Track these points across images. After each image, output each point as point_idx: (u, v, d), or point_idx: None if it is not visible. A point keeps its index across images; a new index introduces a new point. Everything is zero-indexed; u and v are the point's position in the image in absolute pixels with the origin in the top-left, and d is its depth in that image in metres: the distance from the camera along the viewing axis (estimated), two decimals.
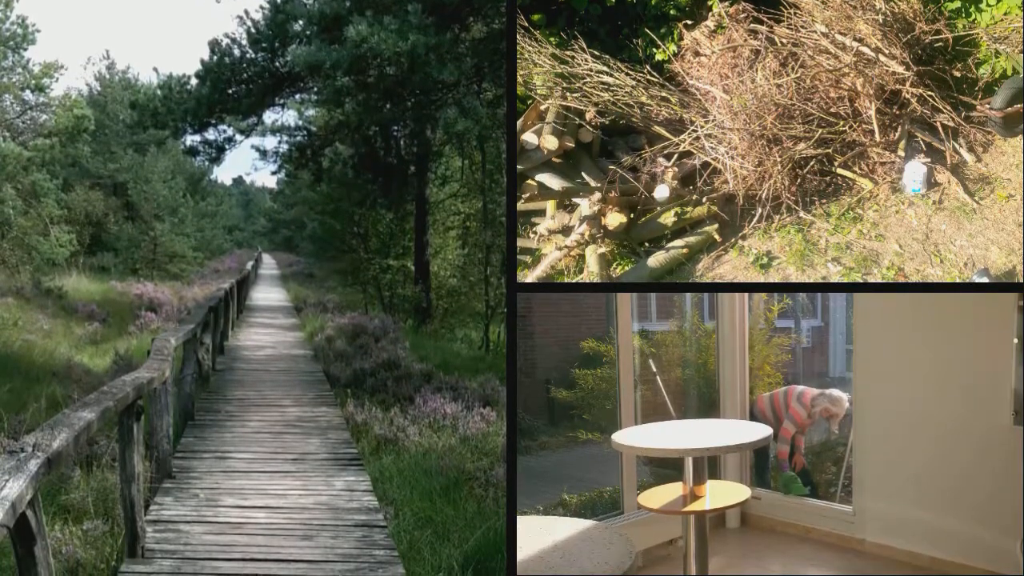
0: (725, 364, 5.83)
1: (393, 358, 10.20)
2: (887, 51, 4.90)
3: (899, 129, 4.94)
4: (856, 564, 5.07)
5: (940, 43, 5.04)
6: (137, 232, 28.36)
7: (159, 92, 14.47)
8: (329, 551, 4.41)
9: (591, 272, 4.55)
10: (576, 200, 4.82)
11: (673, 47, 5.39)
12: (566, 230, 4.72)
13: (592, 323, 5.77)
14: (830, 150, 4.86)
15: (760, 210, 4.73)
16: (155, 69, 63.91)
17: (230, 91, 13.43)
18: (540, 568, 3.68)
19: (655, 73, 5.14)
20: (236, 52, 13.23)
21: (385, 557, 4.35)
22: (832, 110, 4.88)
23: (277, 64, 13.20)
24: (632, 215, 4.83)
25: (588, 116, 5.03)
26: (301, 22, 12.29)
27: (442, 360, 11.74)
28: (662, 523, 5.03)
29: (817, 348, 6.81)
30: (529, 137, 4.89)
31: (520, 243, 4.84)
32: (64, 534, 4.30)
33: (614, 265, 4.69)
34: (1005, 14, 4.91)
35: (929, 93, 4.87)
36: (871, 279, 4.42)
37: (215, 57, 13.14)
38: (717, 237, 4.71)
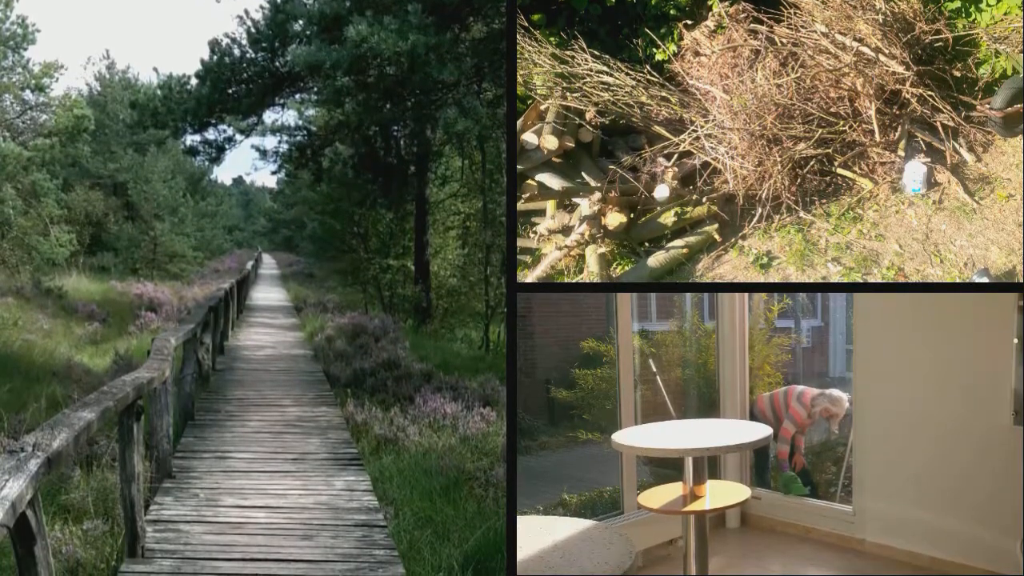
0: (725, 364, 5.83)
1: (393, 358, 10.20)
2: (887, 51, 4.90)
3: (899, 129, 4.94)
4: (856, 564, 5.07)
5: (940, 43, 5.05)
6: (137, 232, 28.36)
7: (159, 92, 14.46)
8: (329, 551, 4.41)
9: (591, 272, 4.55)
10: (576, 200, 4.82)
11: (673, 47, 5.39)
12: (566, 230, 4.72)
13: (592, 323, 5.77)
14: (830, 150, 4.86)
15: (760, 210, 4.73)
16: (155, 69, 63.93)
17: (230, 91, 13.42)
18: (540, 568, 3.68)
19: (655, 73, 5.14)
20: (236, 52, 13.23)
21: (385, 557, 4.35)
22: (832, 110, 4.88)
23: (277, 64, 13.19)
24: (632, 215, 4.83)
25: (588, 116, 5.03)
26: (301, 22, 12.28)
27: (442, 360, 11.75)
28: (662, 523, 5.03)
29: (817, 348, 6.81)
30: (529, 137, 4.89)
31: (520, 243, 4.84)
32: (64, 534, 4.30)
33: (614, 265, 4.69)
34: (1005, 14, 4.91)
35: (929, 93, 4.87)
36: (871, 279, 4.42)
37: (215, 57, 13.14)
38: (717, 237, 4.71)
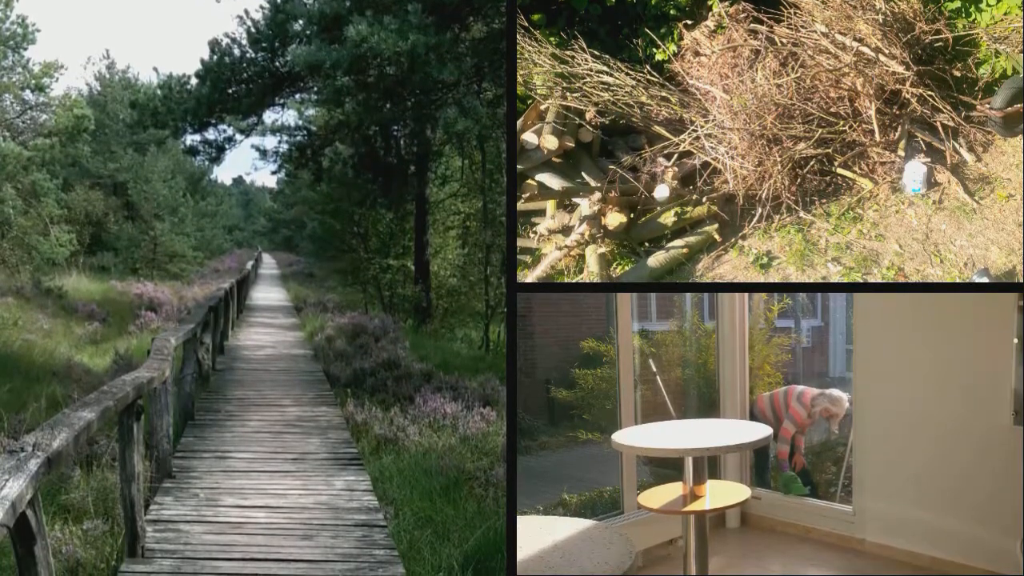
0: (725, 364, 5.83)
1: (393, 358, 10.20)
2: (887, 51, 4.90)
3: (899, 129, 4.94)
4: (856, 564, 5.07)
5: (940, 43, 5.05)
6: (137, 232, 28.36)
7: (159, 92, 14.46)
8: (329, 551, 4.41)
9: (591, 272, 4.55)
10: (576, 200, 4.82)
11: (673, 47, 5.39)
12: (566, 230, 4.72)
13: (592, 323, 5.77)
14: (830, 150, 4.86)
15: (760, 210, 4.73)
16: (155, 69, 63.95)
17: (230, 91, 13.42)
18: (540, 568, 3.68)
19: (655, 73, 5.14)
20: (236, 52, 13.22)
21: (385, 557, 4.35)
22: (832, 110, 4.88)
23: (277, 64, 13.18)
24: (632, 215, 4.83)
25: (588, 116, 5.03)
26: (301, 22, 12.28)
27: (442, 360, 11.74)
28: (662, 523, 5.03)
29: (817, 348, 6.81)
30: (529, 137, 4.89)
31: (520, 243, 4.84)
32: (64, 534, 4.30)
33: (614, 265, 4.69)
34: (1005, 14, 4.92)
35: (929, 93, 4.87)
36: (871, 279, 4.42)
37: (215, 57, 13.13)
38: (717, 237, 4.71)
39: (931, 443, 4.84)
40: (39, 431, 2.97)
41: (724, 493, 4.43)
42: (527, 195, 4.88)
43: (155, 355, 5.69)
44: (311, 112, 18.46)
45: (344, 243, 20.11)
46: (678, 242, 4.71)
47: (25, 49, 19.16)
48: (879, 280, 4.42)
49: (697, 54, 5.27)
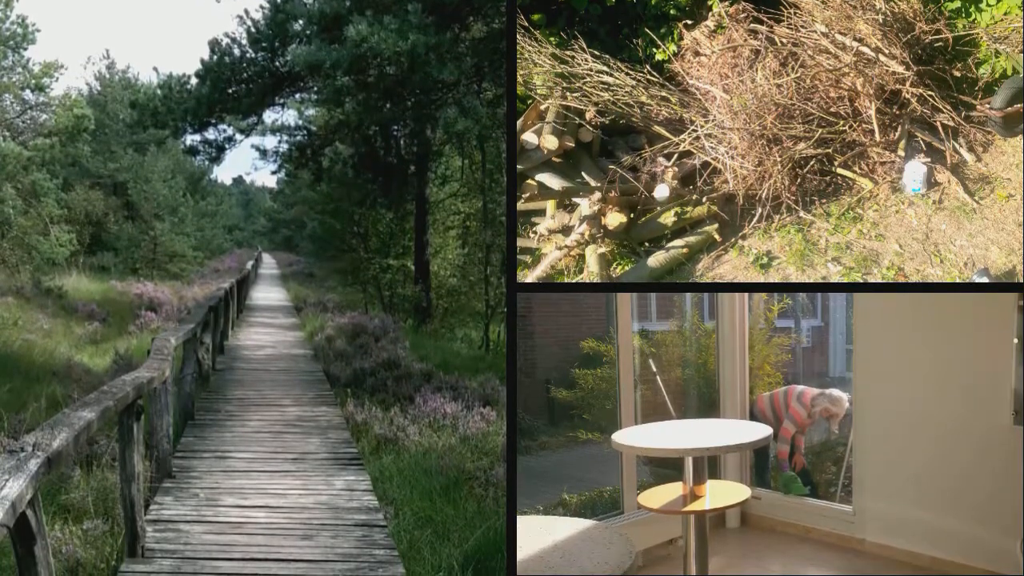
0: (725, 364, 5.83)
1: (393, 358, 10.20)
2: (887, 51, 4.90)
3: (899, 129, 4.94)
4: (856, 564, 5.07)
5: (940, 43, 5.05)
6: (137, 232, 28.36)
7: (159, 92, 14.46)
8: (329, 551, 4.41)
9: (591, 272, 4.55)
10: (576, 200, 4.82)
11: (673, 47, 5.39)
12: (566, 230, 4.72)
13: (592, 323, 5.77)
14: (830, 150, 4.86)
15: (760, 210, 4.73)
16: (155, 69, 64.01)
17: (230, 91, 13.42)
18: (540, 568, 3.68)
19: (655, 73, 5.14)
20: (236, 52, 13.22)
21: (385, 557, 4.35)
22: (832, 110, 4.88)
23: (277, 64, 13.18)
24: (632, 215, 4.83)
25: (588, 116, 5.03)
26: (301, 22, 12.28)
27: (442, 360, 11.74)
28: (662, 523, 5.03)
29: (817, 348, 6.81)
30: (529, 137, 4.89)
31: (520, 243, 4.84)
32: (64, 534, 4.30)
33: (614, 265, 4.69)
34: (1005, 14, 4.92)
35: (929, 93, 4.87)
36: (871, 279, 4.42)
37: (215, 57, 13.13)
38: (717, 237, 4.71)
39: (931, 443, 4.84)
40: (39, 431, 2.97)
41: (724, 493, 4.43)
42: (527, 195, 4.88)
43: (155, 355, 5.69)
44: (311, 112, 18.48)
45: (344, 243, 20.11)
46: (678, 242, 4.71)
47: (25, 49, 19.19)
48: (879, 280, 4.42)
49: (697, 54, 5.27)
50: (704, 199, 4.83)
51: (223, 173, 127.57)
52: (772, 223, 4.73)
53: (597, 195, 4.69)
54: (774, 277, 4.55)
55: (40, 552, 2.74)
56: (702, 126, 4.88)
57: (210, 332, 9.91)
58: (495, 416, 7.48)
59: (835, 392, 5.58)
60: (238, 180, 74.20)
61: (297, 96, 15.71)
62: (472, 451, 6.49)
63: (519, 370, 5.06)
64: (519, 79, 5.03)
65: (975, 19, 5.02)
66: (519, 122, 4.97)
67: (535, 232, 4.89)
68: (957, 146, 4.88)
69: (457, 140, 15.42)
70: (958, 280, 4.36)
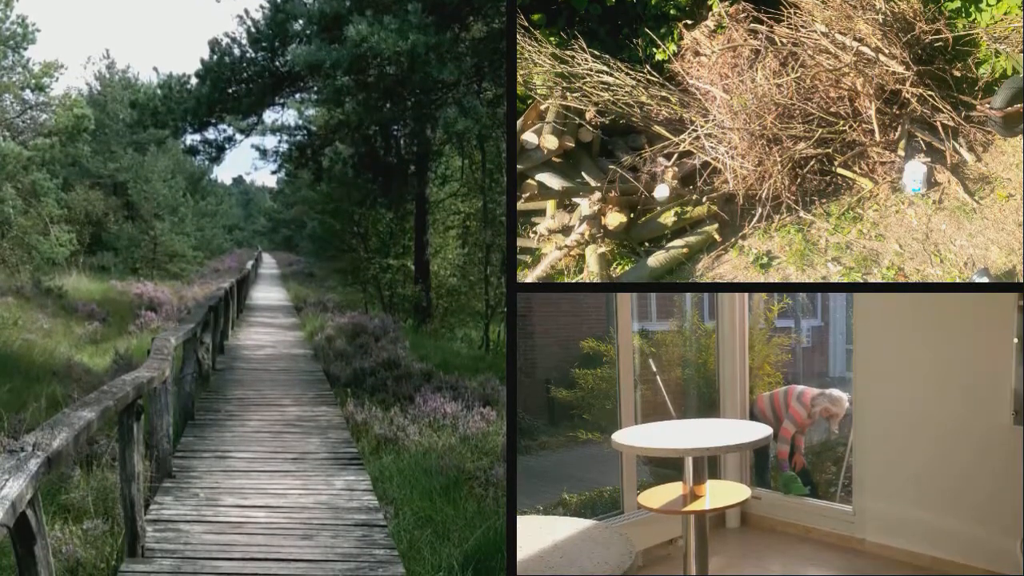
0: (725, 364, 5.83)
1: (393, 357, 10.20)
2: (887, 51, 4.90)
3: (899, 129, 4.94)
4: (856, 564, 5.07)
5: (940, 43, 5.05)
6: (137, 231, 28.36)
7: (159, 91, 14.46)
8: (329, 550, 4.41)
9: (591, 272, 4.55)
10: (576, 200, 4.82)
11: (673, 47, 5.39)
12: (566, 230, 4.72)
13: (592, 323, 5.77)
14: (830, 150, 4.86)
15: (760, 210, 4.73)
16: (155, 69, 64.06)
17: (230, 90, 13.41)
18: (540, 568, 3.68)
19: (655, 73, 5.14)
20: (236, 51, 13.22)
21: (385, 556, 4.35)
22: (832, 110, 4.88)
23: (277, 64, 13.18)
24: (632, 215, 4.83)
25: (588, 116, 5.03)
26: (301, 21, 12.28)
27: (442, 359, 11.75)
28: (662, 523, 5.03)
29: (817, 348, 6.81)
30: (529, 137, 4.89)
31: (520, 243, 4.84)
32: (64, 533, 4.30)
33: (614, 265, 4.69)
34: (1005, 14, 4.92)
35: (929, 93, 4.87)
36: (871, 279, 4.42)
37: (215, 56, 13.13)
38: (717, 237, 4.71)
39: (931, 443, 4.84)
40: (39, 431, 2.97)
41: (724, 493, 4.43)
42: (527, 195, 4.88)
43: (155, 355, 5.69)
44: (311, 112, 18.50)
45: (344, 243, 20.11)
46: (678, 242, 4.71)
47: (25, 49, 19.20)
48: (879, 280, 4.42)
49: (697, 54, 5.27)
50: (704, 199, 4.83)
51: (223, 173, 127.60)
52: (772, 223, 4.73)
53: (597, 195, 4.69)
54: (774, 277, 4.55)
55: (40, 552, 2.74)
56: (702, 126, 4.88)
57: (210, 332, 9.91)
58: (495, 416, 7.48)
59: (835, 392, 5.58)
60: (238, 180, 74.28)
61: (297, 96, 15.72)
62: (472, 451, 6.49)
63: (519, 370, 5.06)
64: (519, 79, 5.03)
65: (975, 19, 5.02)
66: (519, 122, 4.97)
67: (535, 232, 4.89)
68: (957, 146, 4.88)
69: (457, 140, 15.43)
70: (958, 280, 4.36)
